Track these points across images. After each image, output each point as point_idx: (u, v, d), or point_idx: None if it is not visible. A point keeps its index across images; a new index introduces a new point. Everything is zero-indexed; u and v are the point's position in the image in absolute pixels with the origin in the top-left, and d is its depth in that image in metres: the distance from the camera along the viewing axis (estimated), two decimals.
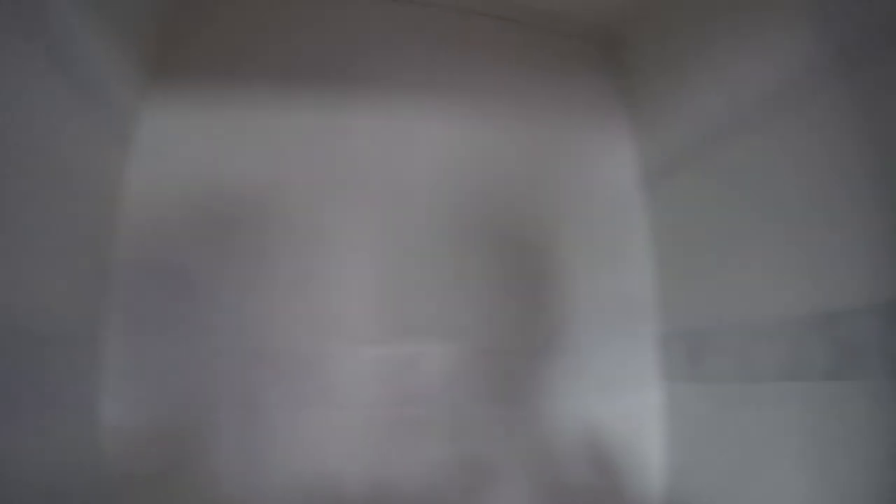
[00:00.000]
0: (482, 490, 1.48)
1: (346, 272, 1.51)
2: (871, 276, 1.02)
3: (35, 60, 1.01)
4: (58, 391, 1.12)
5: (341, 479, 1.40)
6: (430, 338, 1.52)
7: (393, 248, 1.55)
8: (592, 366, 1.61)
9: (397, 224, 1.57)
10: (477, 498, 1.47)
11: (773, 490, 1.19)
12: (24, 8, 0.97)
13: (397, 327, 1.50)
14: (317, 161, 1.56)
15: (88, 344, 1.27)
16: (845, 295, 1.08)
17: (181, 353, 1.37)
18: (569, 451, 1.54)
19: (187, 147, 1.48)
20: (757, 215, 1.30)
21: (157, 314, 1.37)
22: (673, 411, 1.60)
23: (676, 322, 1.61)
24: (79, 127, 1.19)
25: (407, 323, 1.51)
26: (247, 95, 1.55)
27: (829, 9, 1.10)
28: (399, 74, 1.67)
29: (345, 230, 1.53)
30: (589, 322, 1.63)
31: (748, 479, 1.27)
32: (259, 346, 1.41)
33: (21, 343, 0.98)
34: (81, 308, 1.24)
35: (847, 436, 1.03)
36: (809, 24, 1.14)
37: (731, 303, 1.38)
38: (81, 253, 1.23)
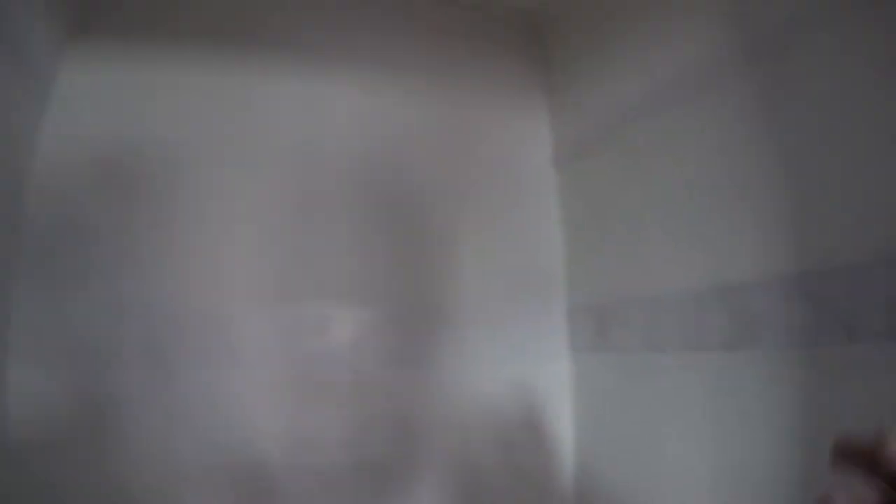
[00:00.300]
0: (391, 455, 1.50)
1: (255, 234, 1.49)
2: (765, 252, 1.09)
3: None
4: None
5: (252, 439, 1.40)
6: (339, 302, 1.52)
7: (304, 212, 1.54)
8: (503, 336, 1.65)
9: (309, 189, 1.56)
10: (385, 462, 1.49)
11: (675, 459, 1.27)
12: None
13: (307, 290, 1.51)
14: (228, 122, 1.52)
15: None
16: (741, 269, 1.15)
17: (91, 313, 1.32)
18: (477, 418, 1.58)
19: (102, 105, 1.42)
20: (662, 194, 1.36)
21: (68, 272, 1.32)
22: (580, 382, 1.67)
23: (585, 295, 1.67)
24: None
25: (317, 287, 1.52)
26: (163, 55, 1.48)
27: (743, 3, 1.18)
28: (317, 43, 1.63)
29: (255, 192, 1.51)
30: (499, 294, 1.67)
31: (652, 448, 1.35)
32: (169, 305, 1.39)
33: None
34: None
35: (744, 405, 1.11)
36: (722, 16, 1.19)
37: (636, 277, 1.45)
38: None
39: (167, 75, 1.49)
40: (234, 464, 1.38)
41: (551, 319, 1.73)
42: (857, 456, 0.43)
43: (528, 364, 1.67)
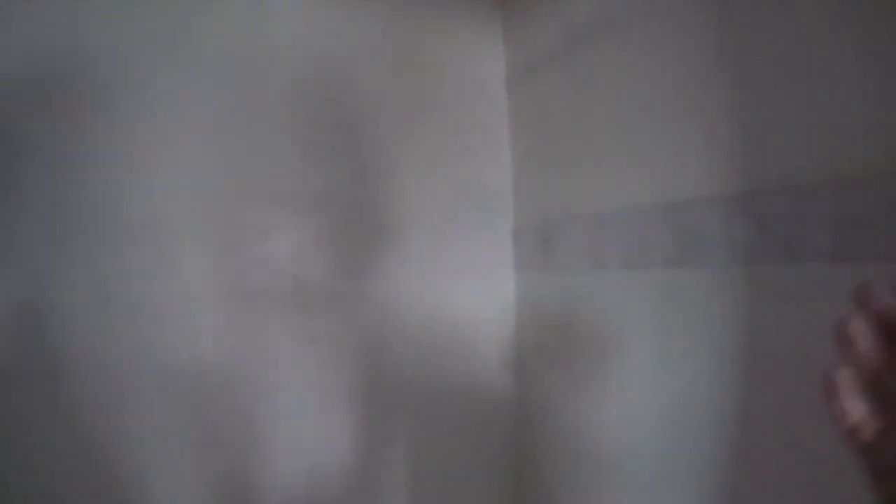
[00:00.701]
0: (333, 365, 1.52)
1: (197, 143, 1.42)
2: (712, 171, 1.08)
3: None
4: None
5: (193, 349, 1.39)
6: (282, 210, 1.48)
7: (248, 121, 1.47)
8: (447, 251, 1.64)
9: (254, 99, 1.48)
10: (327, 372, 1.51)
11: (619, 375, 1.30)
12: None
13: (249, 199, 1.46)
14: (171, 32, 1.41)
15: None
16: (687, 188, 1.13)
17: (28, 227, 1.28)
18: (420, 330, 1.60)
19: (35, 17, 1.30)
20: (612, 115, 1.32)
21: (6, 188, 1.27)
22: (523, 300, 1.68)
23: (531, 214, 1.65)
24: None
25: (258, 195, 1.47)
26: None
27: None
28: None
29: (198, 101, 1.42)
30: (446, 210, 1.65)
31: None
32: (107, 214, 1.33)
33: None
34: None
35: (688, 321, 1.13)
36: None
37: (582, 196, 1.43)
38: None
39: None
40: (172, 372, 1.37)
41: (497, 237, 1.72)
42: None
43: (472, 281, 1.67)
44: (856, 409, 0.44)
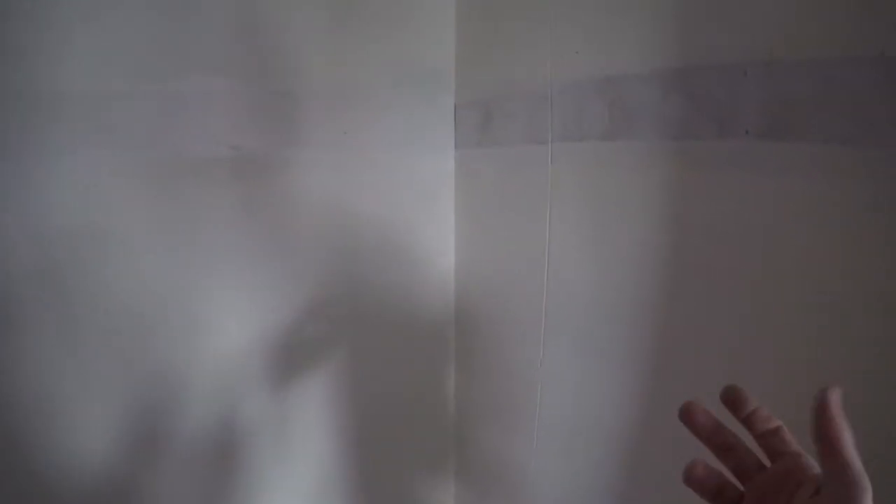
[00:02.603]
0: (271, 234, 1.52)
1: (121, 10, 1.32)
2: (647, 46, 1.11)
3: None
4: None
5: (125, 221, 1.36)
6: (218, 76, 1.42)
7: None
8: (388, 126, 1.63)
9: None
10: (265, 244, 1.51)
11: (555, 244, 1.38)
12: None
13: (185, 65, 1.38)
14: None
15: None
16: (623, 62, 1.16)
17: None
18: (359, 203, 1.62)
19: None
20: None
21: None
22: (463, 177, 1.72)
23: (472, 91, 1.64)
24: None
25: (195, 60, 1.39)
26: None
27: None
28: None
29: None
30: (388, 84, 1.61)
31: (531, 238, 1.45)
32: (44, 89, 1.25)
33: None
34: None
35: (621, 193, 1.20)
36: None
37: (522, 72, 1.43)
38: None
39: None
40: (100, 234, 1.34)
41: (438, 114, 1.71)
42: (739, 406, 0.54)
43: (413, 157, 1.68)
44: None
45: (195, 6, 1.38)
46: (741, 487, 0.53)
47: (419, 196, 1.71)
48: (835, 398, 0.43)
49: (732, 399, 0.54)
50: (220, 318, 1.48)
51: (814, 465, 0.49)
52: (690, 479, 0.54)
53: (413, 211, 1.71)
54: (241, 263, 1.49)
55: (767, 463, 0.53)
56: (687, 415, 0.55)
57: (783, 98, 0.90)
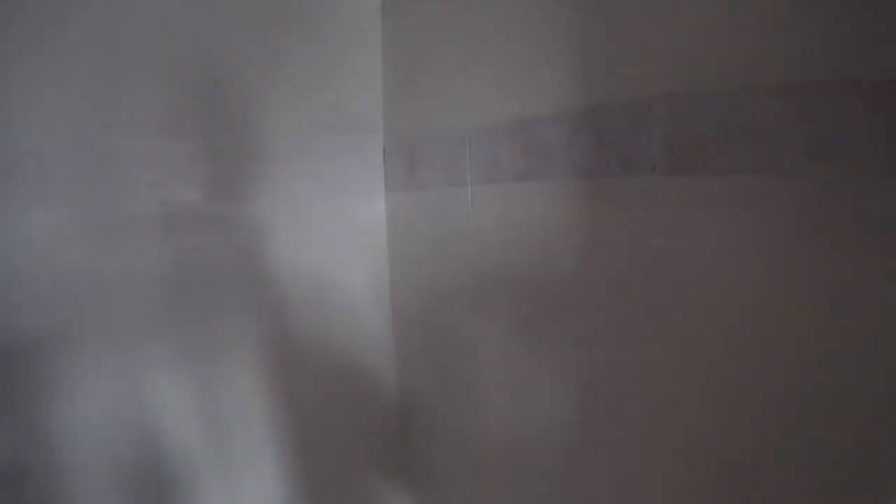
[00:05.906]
0: (206, 287, 1.52)
1: (61, 75, 1.36)
2: (557, 87, 1.10)
3: None
4: None
5: (61, 278, 1.38)
6: (149, 135, 1.44)
7: (111, 50, 1.41)
8: (320, 174, 1.63)
9: (116, 30, 1.41)
10: (198, 297, 1.52)
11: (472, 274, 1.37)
12: None
13: (116, 125, 1.42)
14: None
15: None
16: (535, 104, 1.16)
17: None
18: (293, 252, 1.61)
19: None
20: (473, 35, 1.32)
21: None
22: (393, 220, 1.70)
23: (399, 136, 1.65)
24: None
25: (125, 121, 1.43)
26: None
27: None
28: None
29: (68, 38, 1.37)
30: (319, 132, 1.63)
31: (443, 282, 1.43)
32: None
33: None
34: None
35: (532, 230, 1.19)
36: None
37: (443, 117, 1.44)
38: None
39: None
40: (39, 300, 1.36)
41: (369, 159, 1.71)
42: None
43: (345, 203, 1.68)
44: None
45: (129, 66, 1.40)
46: None
47: (352, 242, 1.69)
48: None
49: None
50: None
51: None
52: None
53: (348, 256, 1.69)
54: (175, 321, 1.48)
55: None
56: None
57: (688, 132, 0.88)
